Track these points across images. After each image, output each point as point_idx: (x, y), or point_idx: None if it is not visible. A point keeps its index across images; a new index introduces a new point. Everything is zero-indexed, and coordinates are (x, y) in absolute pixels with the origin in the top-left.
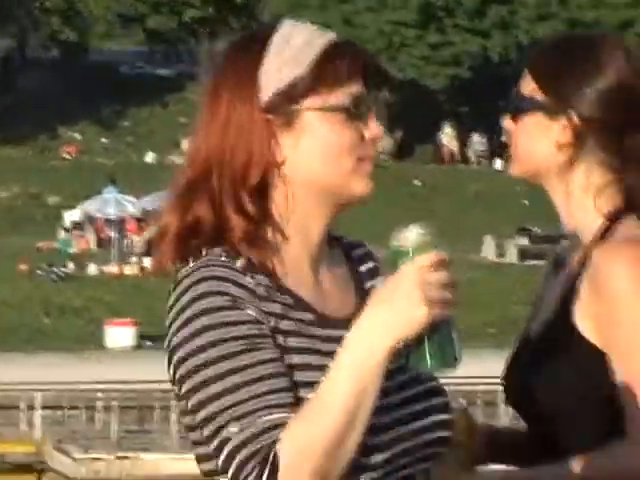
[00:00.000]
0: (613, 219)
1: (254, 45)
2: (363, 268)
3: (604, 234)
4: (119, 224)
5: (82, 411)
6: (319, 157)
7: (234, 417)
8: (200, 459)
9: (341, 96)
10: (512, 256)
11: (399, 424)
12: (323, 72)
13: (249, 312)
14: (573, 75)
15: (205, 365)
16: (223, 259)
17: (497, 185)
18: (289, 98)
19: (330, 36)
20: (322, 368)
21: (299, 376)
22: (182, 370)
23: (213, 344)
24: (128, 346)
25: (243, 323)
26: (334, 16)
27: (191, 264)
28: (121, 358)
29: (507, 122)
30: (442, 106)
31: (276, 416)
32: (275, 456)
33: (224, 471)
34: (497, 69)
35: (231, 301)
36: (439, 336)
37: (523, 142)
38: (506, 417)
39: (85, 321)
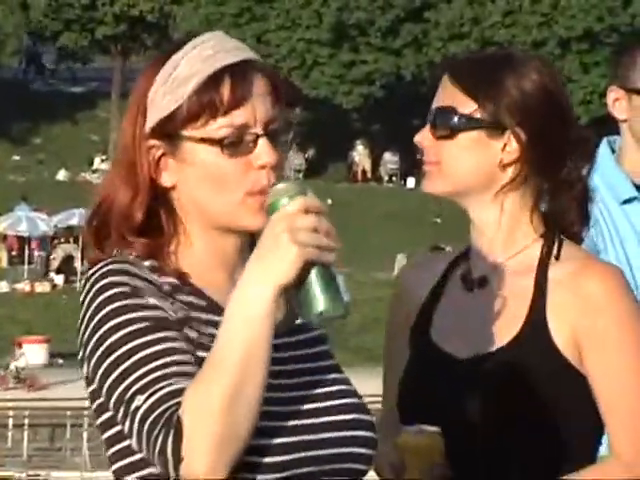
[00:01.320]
0: (555, 239)
1: (155, 65)
2: None
3: (558, 254)
4: (31, 242)
5: None
6: (203, 187)
7: (139, 389)
8: (112, 459)
9: (218, 127)
10: None
11: (305, 432)
12: (198, 104)
13: (151, 300)
14: (509, 93)
15: (112, 349)
16: (131, 257)
17: (409, 203)
18: (169, 127)
19: (221, 62)
20: None
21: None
22: (93, 360)
23: (117, 328)
24: (40, 364)
25: (144, 308)
26: (247, 34)
27: (98, 266)
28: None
29: (426, 138)
30: (355, 124)
31: (180, 385)
32: (179, 418)
33: (139, 448)
34: (410, 88)
35: (133, 290)
36: (322, 282)
37: (456, 159)
38: None
39: None
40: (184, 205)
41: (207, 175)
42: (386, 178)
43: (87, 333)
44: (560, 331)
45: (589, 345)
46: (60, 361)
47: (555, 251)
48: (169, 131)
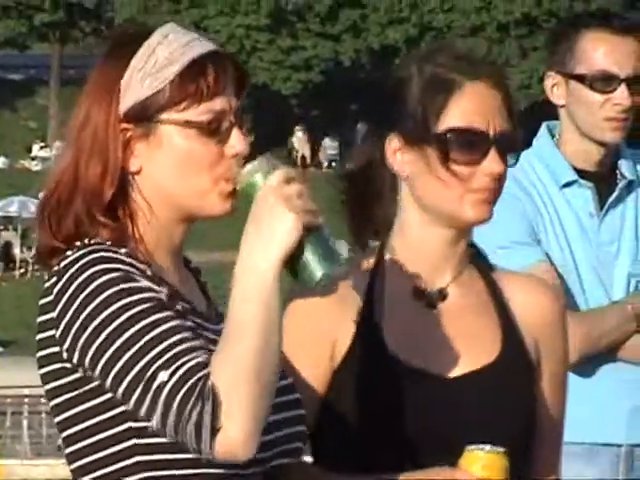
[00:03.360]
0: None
1: (123, 51)
2: (201, 279)
3: (488, 261)
4: None
5: None
6: (173, 173)
7: (161, 366)
8: (70, 458)
9: (201, 112)
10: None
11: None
12: (183, 88)
13: (144, 282)
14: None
15: (121, 331)
16: (106, 245)
17: None
18: (147, 110)
19: (201, 49)
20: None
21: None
22: (97, 344)
23: (123, 310)
24: None
25: (142, 290)
26: (185, 20)
27: (71, 253)
28: None
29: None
30: (294, 110)
31: (201, 358)
32: (211, 389)
33: (163, 424)
34: (349, 73)
35: (125, 274)
36: (319, 244)
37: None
38: None
39: None
40: (147, 190)
41: (179, 160)
42: (325, 164)
43: (79, 320)
44: (529, 344)
45: (545, 353)
46: (0, 349)
47: (481, 259)
48: (145, 114)
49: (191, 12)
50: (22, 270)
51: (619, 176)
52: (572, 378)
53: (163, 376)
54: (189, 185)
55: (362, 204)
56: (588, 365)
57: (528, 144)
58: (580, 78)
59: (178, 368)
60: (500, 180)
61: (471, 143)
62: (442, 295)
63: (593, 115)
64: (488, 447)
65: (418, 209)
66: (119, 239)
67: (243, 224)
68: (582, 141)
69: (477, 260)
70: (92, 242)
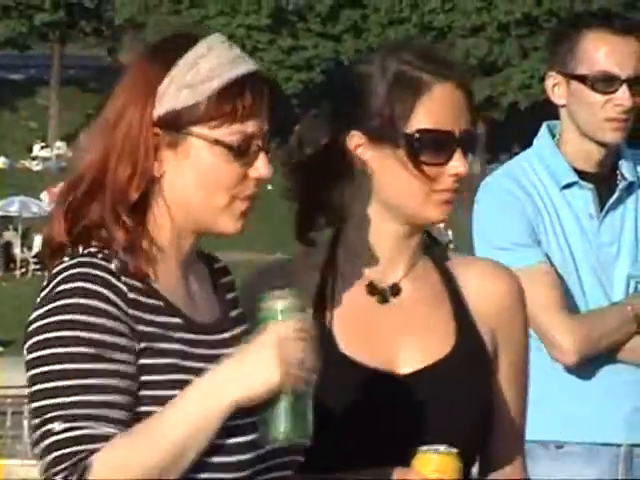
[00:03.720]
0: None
1: (166, 55)
2: (223, 281)
3: (442, 252)
4: None
5: None
6: (194, 185)
7: (64, 416)
8: (40, 457)
9: (232, 133)
10: None
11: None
12: (220, 106)
13: (112, 321)
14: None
15: (54, 359)
16: (99, 257)
17: None
18: (180, 120)
19: (242, 69)
20: (186, 370)
21: (163, 377)
22: (34, 355)
23: (68, 341)
24: None
25: (103, 331)
26: (186, 20)
27: (66, 260)
28: None
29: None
30: (295, 110)
31: (104, 430)
32: (88, 466)
33: (41, 458)
34: None
35: (97, 304)
36: (292, 409)
37: None
38: None
39: None
40: (166, 198)
41: (203, 174)
42: None
43: (35, 327)
44: (485, 333)
45: (503, 342)
46: (0, 348)
47: (436, 249)
48: (178, 124)
49: (192, 12)
50: (22, 270)
51: (619, 177)
52: (572, 378)
53: (57, 426)
54: (207, 200)
55: (314, 193)
56: (588, 366)
57: (529, 144)
58: (581, 78)
59: (72, 429)
60: (461, 181)
61: (439, 144)
62: (395, 290)
63: (594, 115)
64: (442, 448)
65: (377, 205)
66: (131, 243)
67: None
68: (583, 141)
69: (432, 250)
70: (86, 252)
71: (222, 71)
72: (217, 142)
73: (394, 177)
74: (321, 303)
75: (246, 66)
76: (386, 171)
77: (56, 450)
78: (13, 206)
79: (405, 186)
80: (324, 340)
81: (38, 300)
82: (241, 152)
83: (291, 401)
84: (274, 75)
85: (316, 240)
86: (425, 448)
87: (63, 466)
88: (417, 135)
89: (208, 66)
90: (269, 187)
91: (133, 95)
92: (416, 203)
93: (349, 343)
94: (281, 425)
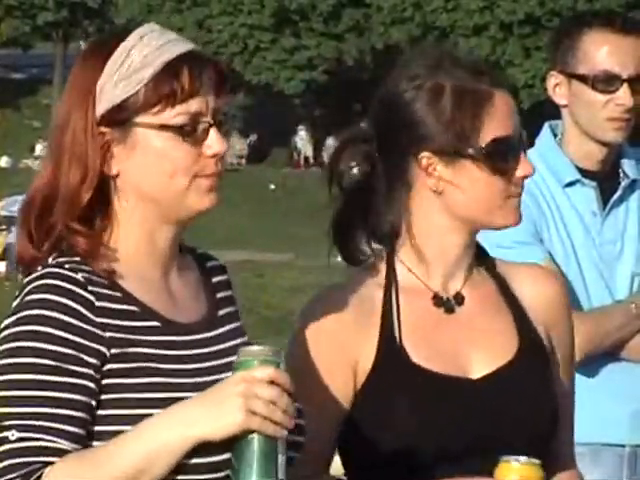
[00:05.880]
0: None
1: (100, 53)
2: (215, 280)
3: (491, 258)
4: None
5: None
6: (151, 174)
7: (19, 426)
8: None
9: (176, 114)
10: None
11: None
12: (157, 91)
13: (73, 335)
14: None
15: (15, 368)
16: (66, 268)
17: None
18: (122, 114)
19: (175, 51)
20: (160, 372)
21: (134, 380)
22: (0, 362)
23: (29, 352)
24: None
25: (64, 344)
26: (188, 20)
27: (39, 269)
28: None
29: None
30: (297, 110)
31: (58, 443)
32: (39, 478)
33: None
34: (352, 73)
35: (60, 316)
36: (261, 453)
37: None
38: None
39: None
40: (127, 194)
41: (158, 161)
42: None
43: (4, 335)
44: (542, 333)
45: (557, 340)
46: None
47: (485, 256)
48: (121, 118)
49: (194, 11)
50: None
51: (622, 175)
52: (576, 377)
53: (12, 434)
54: (168, 185)
55: (364, 214)
56: (592, 365)
57: (531, 144)
58: (582, 78)
59: (27, 439)
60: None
61: (511, 150)
62: (460, 299)
63: (595, 115)
64: (524, 458)
65: (444, 219)
66: (93, 248)
67: (242, 221)
68: (584, 141)
69: (481, 257)
70: (54, 262)
71: (154, 57)
72: (163, 127)
73: (470, 189)
74: (388, 318)
75: (179, 48)
76: (460, 185)
77: (8, 459)
78: (16, 205)
79: (483, 196)
80: (395, 353)
81: (12, 308)
82: (189, 132)
83: (261, 444)
84: (276, 74)
85: (361, 259)
86: (507, 457)
87: (14, 475)
88: (493, 145)
89: (141, 54)
90: (272, 187)
91: (73, 99)
92: (492, 212)
93: (420, 354)
94: (247, 467)
